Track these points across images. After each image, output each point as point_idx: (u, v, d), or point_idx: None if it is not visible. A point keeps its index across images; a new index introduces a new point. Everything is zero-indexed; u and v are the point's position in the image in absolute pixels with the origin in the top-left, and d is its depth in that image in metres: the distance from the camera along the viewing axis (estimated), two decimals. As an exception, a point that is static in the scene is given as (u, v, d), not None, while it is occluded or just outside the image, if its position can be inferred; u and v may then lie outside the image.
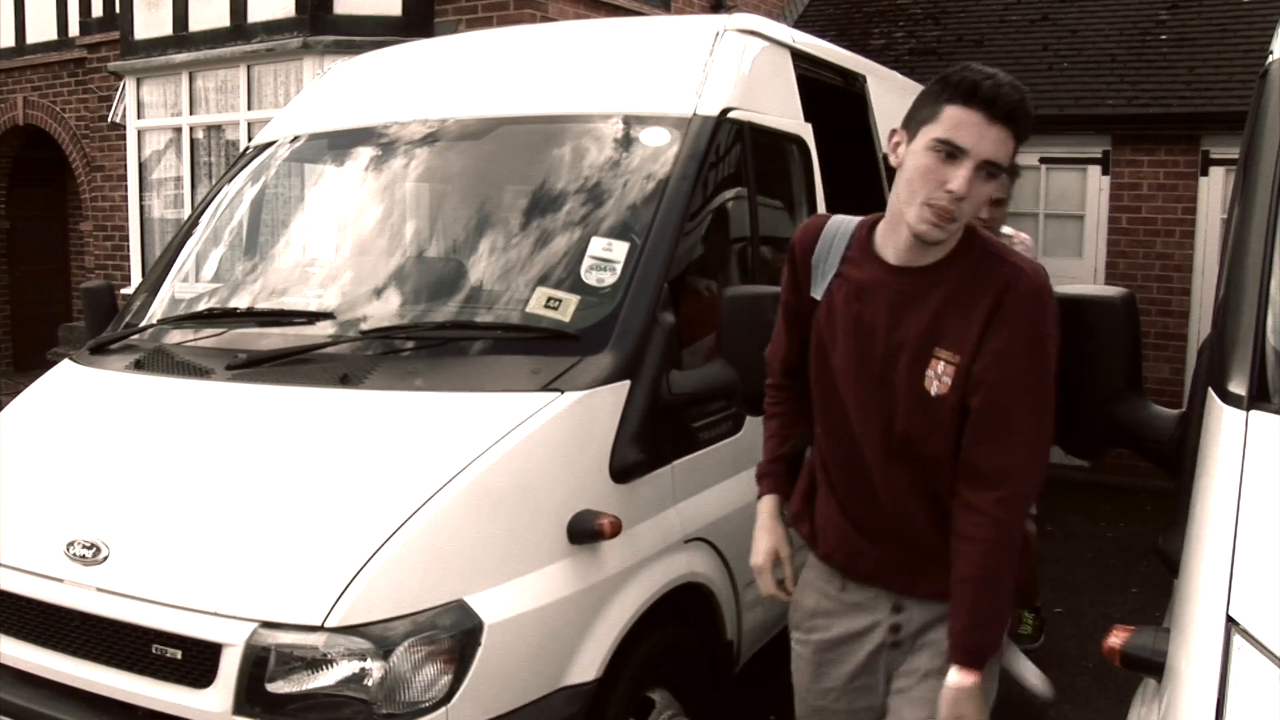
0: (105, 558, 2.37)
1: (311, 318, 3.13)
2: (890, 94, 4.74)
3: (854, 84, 4.44)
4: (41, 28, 10.62)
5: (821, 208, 3.72)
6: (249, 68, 7.99)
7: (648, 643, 2.66)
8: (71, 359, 3.32)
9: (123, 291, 7.25)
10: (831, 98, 4.19)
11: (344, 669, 2.13)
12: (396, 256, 3.51)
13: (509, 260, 3.06)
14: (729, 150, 3.19)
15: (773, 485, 2.24)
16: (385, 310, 3.10)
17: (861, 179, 4.43)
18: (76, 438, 2.89)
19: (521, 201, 3.23)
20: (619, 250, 2.82)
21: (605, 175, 3.08)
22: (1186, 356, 7.49)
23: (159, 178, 8.83)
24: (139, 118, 8.78)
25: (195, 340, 3.21)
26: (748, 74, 3.36)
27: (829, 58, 4.20)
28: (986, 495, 1.84)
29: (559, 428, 2.49)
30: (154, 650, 2.26)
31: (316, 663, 2.14)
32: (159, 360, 3.11)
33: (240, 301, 3.44)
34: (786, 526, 2.23)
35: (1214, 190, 7.54)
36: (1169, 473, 1.85)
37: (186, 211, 8.14)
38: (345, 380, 2.70)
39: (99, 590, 2.34)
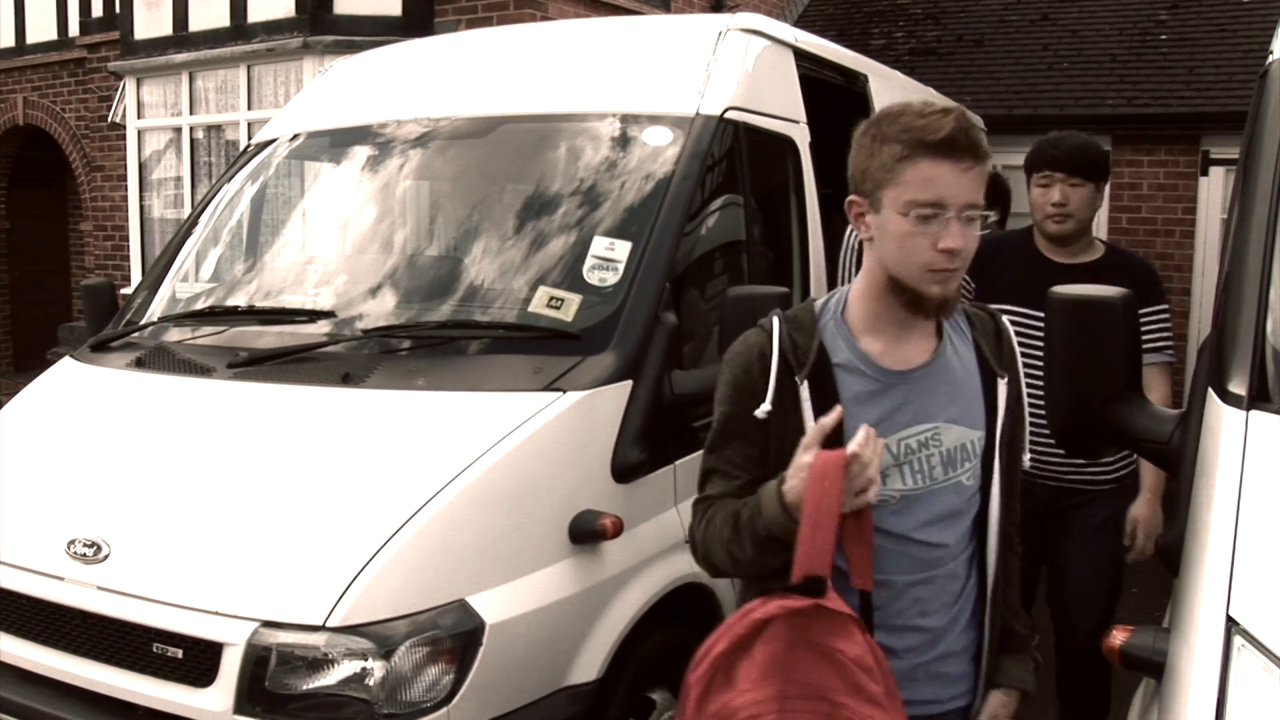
0: (106, 556, 2.37)
1: (313, 316, 3.13)
2: (892, 93, 4.74)
3: (856, 83, 4.44)
4: (41, 28, 10.62)
5: (814, 207, 3.73)
6: (249, 68, 7.99)
7: (649, 643, 2.66)
8: (72, 357, 3.33)
9: (123, 291, 7.25)
10: (834, 97, 4.19)
11: (345, 669, 2.14)
12: (398, 255, 3.51)
13: (511, 259, 3.06)
14: (732, 149, 3.19)
15: None
16: (387, 309, 3.11)
17: None
18: (77, 435, 2.89)
19: (523, 200, 3.23)
20: (621, 250, 2.82)
21: (608, 174, 3.08)
22: (1186, 356, 7.49)
23: (159, 178, 8.83)
24: (139, 118, 8.78)
25: (196, 338, 3.21)
26: (750, 73, 3.36)
27: (831, 57, 4.20)
28: None
29: (561, 427, 2.50)
30: (155, 649, 2.27)
31: (318, 662, 2.14)
32: (160, 358, 3.11)
33: (241, 300, 3.44)
34: None
35: (1214, 190, 7.54)
36: (1169, 473, 1.85)
37: (186, 211, 8.14)
38: (347, 379, 2.70)
39: (100, 589, 2.34)
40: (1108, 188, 8.43)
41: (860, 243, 3.76)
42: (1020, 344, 2.99)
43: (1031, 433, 2.99)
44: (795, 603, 1.54)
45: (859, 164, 1.68)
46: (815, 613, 1.54)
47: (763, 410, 1.69)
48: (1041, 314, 2.99)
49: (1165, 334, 3.19)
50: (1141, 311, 2.88)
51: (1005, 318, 3.00)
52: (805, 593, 1.54)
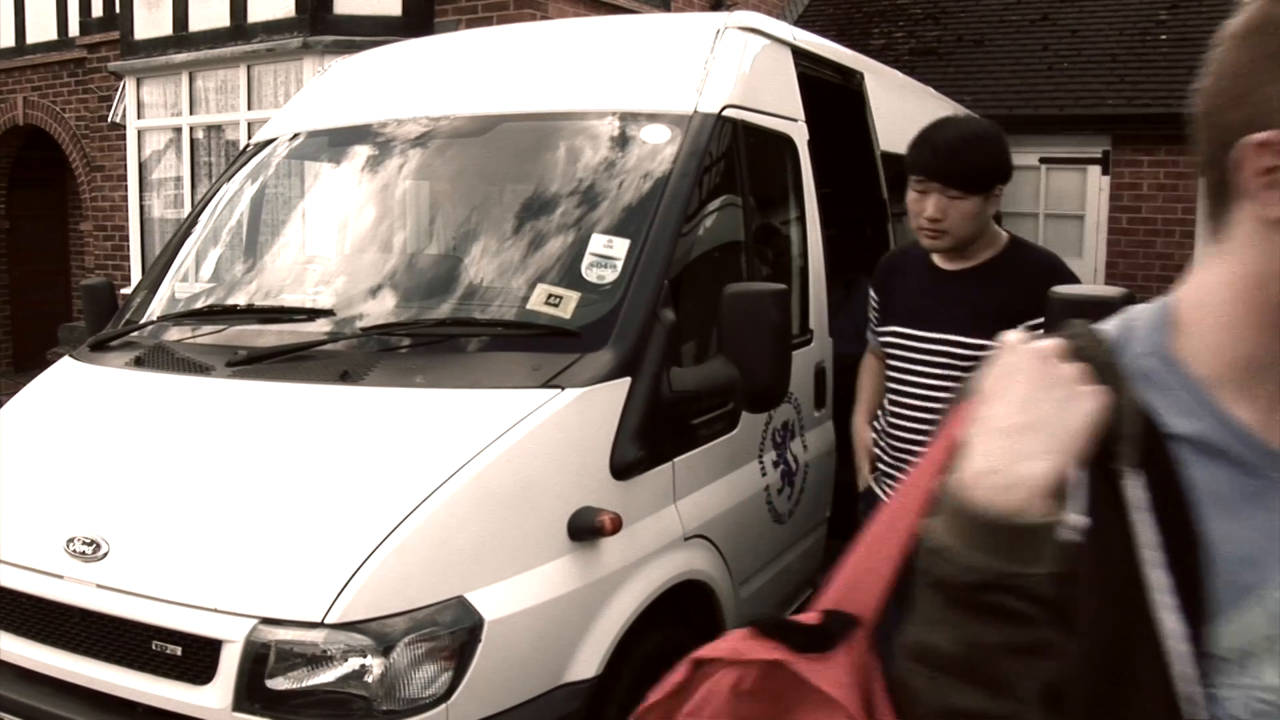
0: (105, 554, 2.37)
1: (312, 314, 3.13)
2: (888, 91, 4.74)
3: (852, 81, 4.44)
4: (41, 28, 10.63)
5: (813, 205, 3.73)
6: (249, 68, 7.99)
7: (649, 642, 2.65)
8: (72, 356, 3.33)
9: (123, 291, 7.26)
10: (830, 95, 4.19)
11: (344, 665, 2.13)
12: (397, 253, 3.51)
13: (509, 257, 3.06)
14: (730, 147, 3.19)
15: None
16: (386, 307, 3.10)
17: (859, 176, 4.43)
18: (76, 434, 2.89)
19: (522, 199, 3.23)
20: (620, 247, 2.82)
21: (606, 172, 3.08)
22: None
23: (159, 178, 8.83)
24: (139, 118, 8.79)
25: (195, 337, 3.21)
26: (748, 72, 3.37)
27: (827, 55, 4.20)
28: None
29: (559, 424, 2.49)
30: (154, 647, 2.26)
31: (317, 659, 2.14)
32: (159, 357, 3.12)
33: (240, 298, 3.44)
34: None
35: (1214, 190, 7.54)
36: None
37: (186, 211, 8.15)
38: (346, 377, 2.70)
39: (99, 587, 2.34)
40: (1107, 188, 8.45)
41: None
42: (900, 370, 2.74)
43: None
44: (751, 651, 0.95)
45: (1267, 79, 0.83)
46: (777, 676, 0.93)
47: (1071, 521, 0.82)
48: (926, 334, 2.68)
49: None
50: (1034, 323, 2.41)
51: (889, 338, 2.77)
52: (797, 642, 0.93)
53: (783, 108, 3.60)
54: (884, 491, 2.84)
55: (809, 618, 0.94)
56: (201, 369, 2.94)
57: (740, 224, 3.29)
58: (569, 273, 2.85)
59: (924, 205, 2.57)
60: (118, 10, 9.06)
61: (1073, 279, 2.60)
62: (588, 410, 2.56)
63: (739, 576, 3.13)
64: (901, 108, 4.92)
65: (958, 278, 2.67)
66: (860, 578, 0.92)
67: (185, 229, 3.83)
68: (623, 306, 2.71)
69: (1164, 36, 8.19)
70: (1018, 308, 2.47)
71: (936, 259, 2.72)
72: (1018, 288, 2.53)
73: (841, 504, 4.00)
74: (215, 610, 2.20)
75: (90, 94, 9.73)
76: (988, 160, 2.57)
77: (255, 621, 2.16)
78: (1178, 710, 0.80)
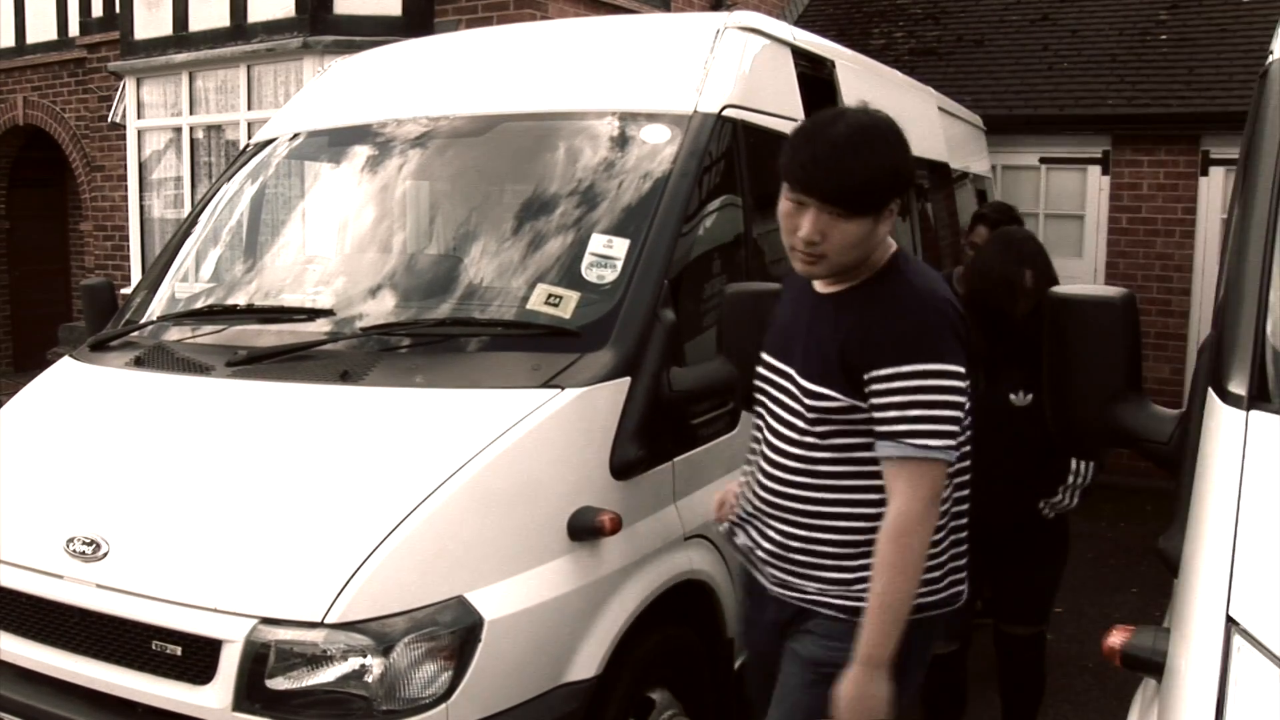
0: (105, 554, 2.37)
1: (312, 314, 3.14)
2: (860, 80, 4.62)
3: (822, 70, 4.35)
4: (41, 28, 10.62)
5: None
6: (249, 68, 7.99)
7: (649, 642, 2.66)
8: (72, 356, 3.33)
9: (123, 291, 7.26)
10: (802, 85, 4.11)
11: (344, 665, 2.14)
12: (397, 253, 3.51)
13: (509, 257, 3.06)
14: (730, 147, 3.19)
15: None
16: (385, 307, 3.11)
17: None
18: (76, 434, 2.89)
19: (522, 199, 3.23)
20: (620, 247, 2.82)
21: (606, 172, 3.08)
22: (1186, 356, 7.50)
23: (159, 178, 8.83)
24: (139, 118, 8.78)
25: (195, 337, 3.21)
26: (748, 72, 3.36)
27: (800, 44, 4.14)
28: None
29: (559, 424, 2.50)
30: (154, 647, 2.27)
31: (316, 659, 2.14)
32: (159, 357, 3.12)
33: (240, 298, 3.44)
34: None
35: (1214, 190, 7.55)
36: (1169, 473, 1.85)
37: (186, 211, 8.14)
38: (345, 377, 2.70)
39: (99, 586, 2.34)
40: (1107, 188, 8.44)
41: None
42: (756, 399, 2.25)
43: (768, 522, 2.22)
44: None
45: None
46: None
47: None
48: (775, 362, 2.20)
49: (913, 409, 1.96)
50: (876, 374, 1.99)
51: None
52: None
53: (783, 107, 3.59)
54: (735, 536, 2.36)
55: None
56: (201, 369, 2.94)
57: (740, 224, 3.28)
58: (569, 272, 2.85)
59: (798, 222, 2.00)
60: (118, 10, 9.05)
61: (926, 339, 1.99)
62: (587, 410, 2.56)
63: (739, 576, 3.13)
64: (874, 97, 4.82)
65: (821, 302, 2.15)
66: None
67: (185, 229, 3.83)
68: (623, 306, 2.71)
69: (1164, 36, 8.18)
70: (852, 352, 2.02)
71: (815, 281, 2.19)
72: (856, 330, 2.03)
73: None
74: (215, 610, 2.20)
75: (90, 94, 9.73)
76: (882, 172, 1.97)
77: (255, 621, 2.16)
78: None
